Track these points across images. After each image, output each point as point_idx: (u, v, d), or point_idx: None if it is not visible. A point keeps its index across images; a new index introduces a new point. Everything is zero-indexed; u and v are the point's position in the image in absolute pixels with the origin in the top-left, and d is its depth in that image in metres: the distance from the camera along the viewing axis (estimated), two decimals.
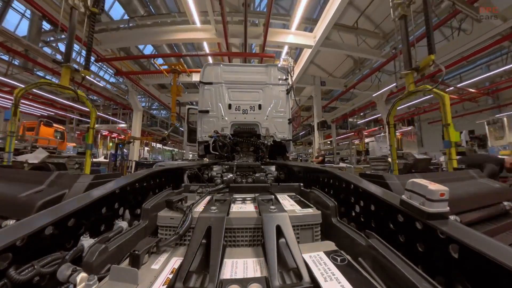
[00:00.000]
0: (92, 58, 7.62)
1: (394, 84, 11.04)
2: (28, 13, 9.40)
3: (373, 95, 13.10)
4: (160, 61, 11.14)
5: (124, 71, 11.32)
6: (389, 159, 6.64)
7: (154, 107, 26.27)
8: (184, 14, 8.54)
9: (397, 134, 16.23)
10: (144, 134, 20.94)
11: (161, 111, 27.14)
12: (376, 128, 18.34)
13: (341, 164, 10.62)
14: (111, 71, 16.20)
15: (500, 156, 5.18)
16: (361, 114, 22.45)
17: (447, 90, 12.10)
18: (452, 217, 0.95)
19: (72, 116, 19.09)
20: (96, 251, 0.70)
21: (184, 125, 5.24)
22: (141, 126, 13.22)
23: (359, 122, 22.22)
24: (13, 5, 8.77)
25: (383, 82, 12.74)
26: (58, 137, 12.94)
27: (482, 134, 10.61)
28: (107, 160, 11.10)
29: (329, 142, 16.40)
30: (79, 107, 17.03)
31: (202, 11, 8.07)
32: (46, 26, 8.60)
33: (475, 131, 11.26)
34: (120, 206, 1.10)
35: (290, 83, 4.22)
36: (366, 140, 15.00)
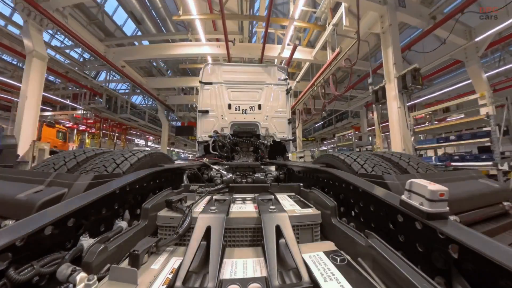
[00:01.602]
0: None
1: None
2: None
3: (471, 41, 7.40)
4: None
5: None
6: None
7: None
8: None
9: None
10: (102, 120, 14.90)
11: (148, 100, 23.23)
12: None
13: None
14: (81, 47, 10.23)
15: None
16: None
17: None
18: (451, 217, 0.94)
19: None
20: (96, 251, 0.70)
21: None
22: (41, 87, 6.57)
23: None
24: None
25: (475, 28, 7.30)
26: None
27: None
28: None
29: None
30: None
31: None
32: None
33: None
34: (120, 206, 1.10)
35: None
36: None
